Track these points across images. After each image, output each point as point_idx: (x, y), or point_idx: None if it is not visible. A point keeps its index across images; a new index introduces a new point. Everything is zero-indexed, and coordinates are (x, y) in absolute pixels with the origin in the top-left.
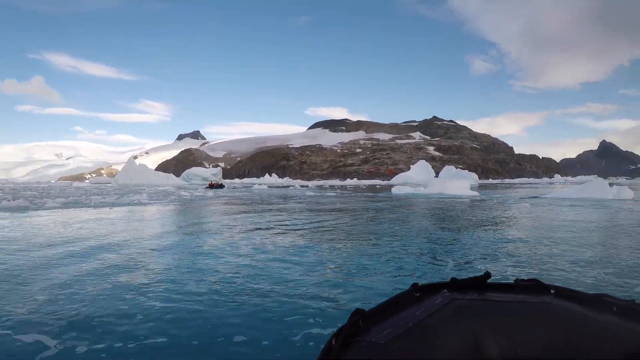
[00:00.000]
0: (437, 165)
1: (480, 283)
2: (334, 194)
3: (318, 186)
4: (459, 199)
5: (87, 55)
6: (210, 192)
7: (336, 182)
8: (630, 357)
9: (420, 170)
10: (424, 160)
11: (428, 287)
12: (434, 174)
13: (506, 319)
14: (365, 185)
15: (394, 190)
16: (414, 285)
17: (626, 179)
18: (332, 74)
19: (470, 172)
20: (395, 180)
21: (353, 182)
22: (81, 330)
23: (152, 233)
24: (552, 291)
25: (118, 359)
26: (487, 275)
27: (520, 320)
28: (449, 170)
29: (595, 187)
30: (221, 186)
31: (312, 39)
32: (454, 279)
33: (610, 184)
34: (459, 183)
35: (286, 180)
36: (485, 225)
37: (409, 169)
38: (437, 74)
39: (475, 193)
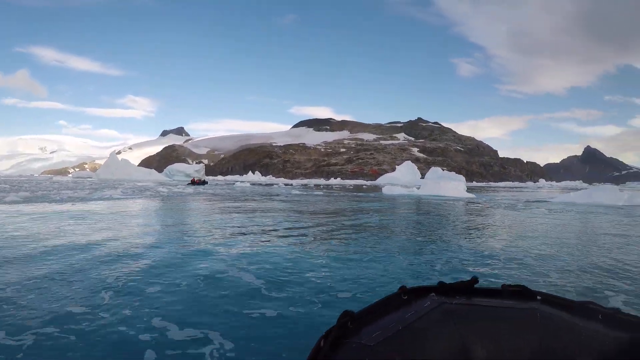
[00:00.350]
0: (422, 166)
1: (468, 287)
2: (322, 193)
3: (302, 185)
4: (457, 201)
5: (73, 49)
6: (190, 189)
7: (320, 181)
8: None
9: (405, 171)
10: (409, 162)
11: (416, 290)
12: (420, 176)
13: (494, 324)
14: (351, 185)
15: (385, 190)
16: (402, 288)
17: (610, 185)
18: (317, 73)
19: (457, 175)
20: (380, 180)
21: (337, 181)
22: None
23: (96, 238)
24: (539, 297)
25: None
26: (475, 280)
27: (507, 325)
28: (435, 171)
29: (603, 192)
30: (204, 183)
31: (298, 38)
32: (441, 283)
33: (621, 190)
34: (454, 184)
35: (269, 179)
36: (507, 234)
37: (393, 169)
38: (423, 75)
39: (471, 195)
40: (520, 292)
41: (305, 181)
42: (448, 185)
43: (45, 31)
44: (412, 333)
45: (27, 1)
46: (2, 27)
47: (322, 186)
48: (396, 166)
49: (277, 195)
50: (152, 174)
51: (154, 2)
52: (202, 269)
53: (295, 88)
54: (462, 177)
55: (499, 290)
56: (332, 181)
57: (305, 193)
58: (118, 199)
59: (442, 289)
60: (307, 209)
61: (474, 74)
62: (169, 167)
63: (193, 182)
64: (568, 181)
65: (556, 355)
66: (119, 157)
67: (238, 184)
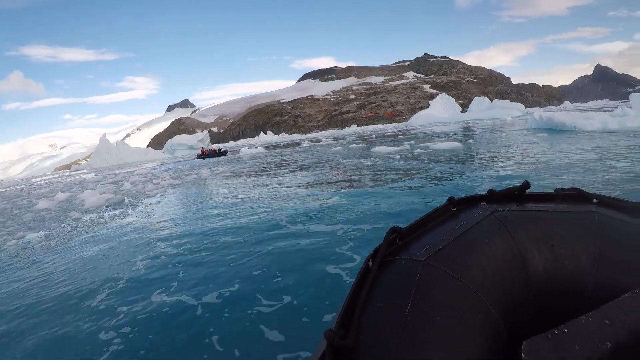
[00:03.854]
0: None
1: (519, 193)
2: (454, 146)
3: (336, 138)
4: None
5: (63, 42)
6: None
7: (347, 131)
8: None
9: (442, 107)
10: (444, 94)
11: (465, 200)
12: (460, 109)
13: (549, 230)
14: (410, 130)
15: (563, 118)
16: (450, 199)
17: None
18: (313, 22)
19: (512, 102)
20: (414, 120)
21: (352, 129)
22: None
23: None
24: (595, 200)
25: None
26: (526, 184)
27: (563, 230)
28: (481, 101)
29: None
30: (221, 153)
31: None
32: (491, 190)
33: None
34: None
35: (282, 137)
36: None
37: (410, 110)
38: (421, 10)
39: None
40: (575, 196)
41: (324, 133)
42: None
43: (33, 30)
44: (464, 244)
45: (8, 4)
46: None
47: (373, 134)
48: (430, 102)
49: (365, 167)
50: (149, 153)
51: None
52: None
53: (294, 42)
54: (519, 105)
55: (552, 195)
56: (353, 129)
57: (405, 152)
58: None
59: (492, 197)
60: None
61: (473, 3)
62: (169, 141)
63: (203, 155)
64: (595, 101)
65: (616, 258)
66: (128, 140)
67: (244, 150)
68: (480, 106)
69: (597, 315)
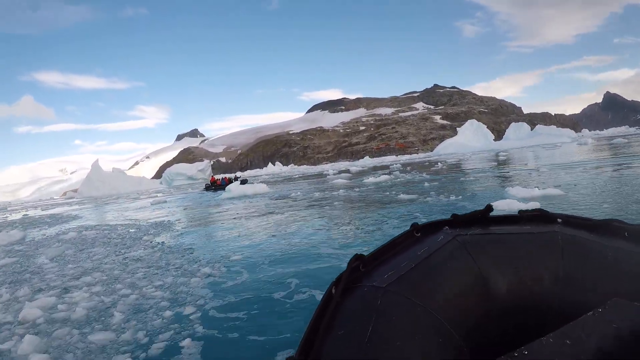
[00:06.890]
0: (449, 133)
1: (483, 217)
2: None
3: (365, 167)
4: None
5: (76, 69)
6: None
7: (365, 161)
8: None
9: (472, 134)
10: (474, 120)
11: (428, 225)
12: (492, 137)
13: (512, 252)
14: (455, 163)
15: None
16: (414, 225)
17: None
18: (321, 55)
19: (562, 129)
20: (441, 148)
21: (366, 161)
22: None
23: None
24: (559, 220)
25: None
26: (489, 208)
27: (527, 252)
28: (519, 127)
29: None
30: (229, 182)
31: (294, 22)
32: (454, 215)
33: None
34: None
35: (291, 168)
36: None
37: (421, 142)
38: (430, 41)
39: None
40: (538, 217)
41: (341, 164)
42: None
43: (46, 56)
44: (425, 269)
45: (23, 30)
46: (3, 59)
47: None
48: (458, 129)
49: None
50: (143, 183)
51: (145, 10)
52: None
53: (302, 74)
54: (569, 132)
55: (515, 217)
56: (368, 160)
57: None
58: None
59: (455, 221)
60: None
61: (479, 35)
62: (167, 170)
63: (214, 186)
64: (614, 128)
65: (579, 277)
66: (137, 168)
67: (233, 187)
68: (519, 133)
69: (558, 336)
